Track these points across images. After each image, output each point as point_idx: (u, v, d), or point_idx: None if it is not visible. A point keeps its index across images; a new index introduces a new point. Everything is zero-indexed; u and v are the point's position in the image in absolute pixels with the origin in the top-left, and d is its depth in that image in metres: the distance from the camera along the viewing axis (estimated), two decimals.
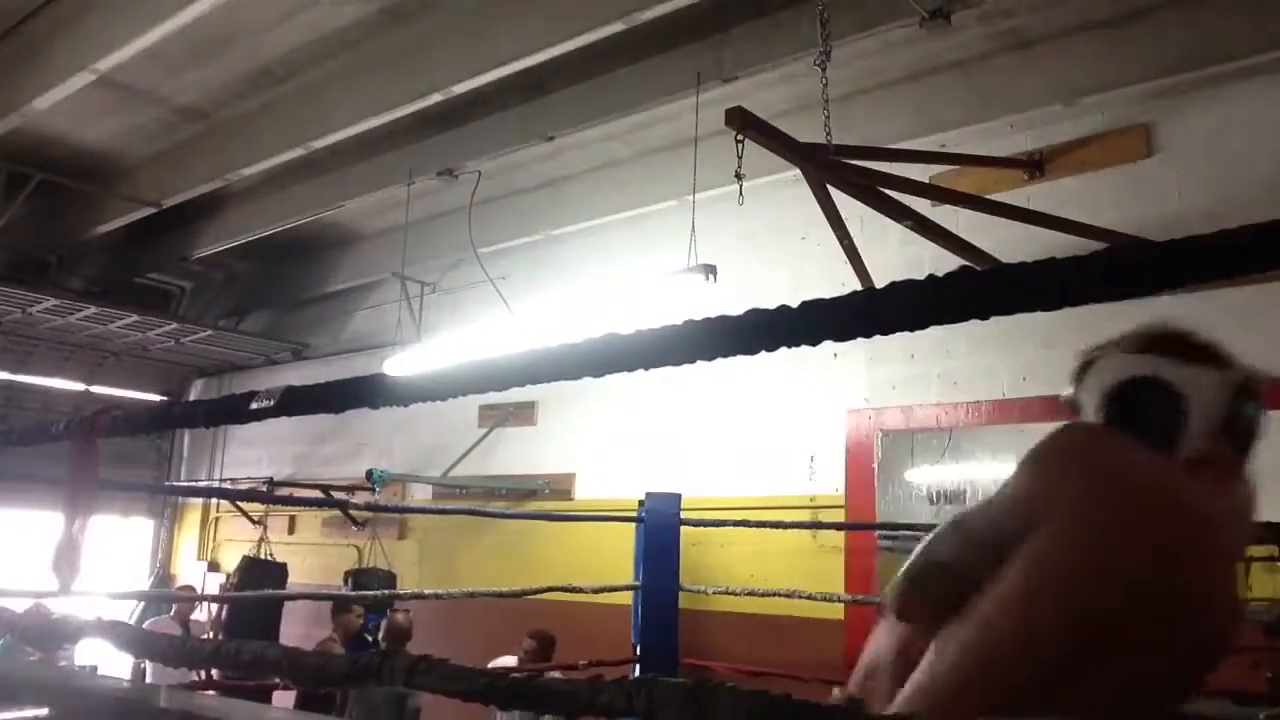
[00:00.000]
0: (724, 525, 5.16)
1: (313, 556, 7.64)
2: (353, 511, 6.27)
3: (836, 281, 4.14)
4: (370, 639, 6.02)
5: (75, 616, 1.70)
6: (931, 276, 0.85)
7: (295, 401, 1.44)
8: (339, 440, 7.94)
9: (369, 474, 6.06)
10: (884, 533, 5.88)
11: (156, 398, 9.22)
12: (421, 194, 6.10)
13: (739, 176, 3.42)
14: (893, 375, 5.16)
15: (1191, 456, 1.42)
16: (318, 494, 6.65)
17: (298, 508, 7.83)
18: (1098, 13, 4.27)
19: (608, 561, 5.44)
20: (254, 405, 1.45)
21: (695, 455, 5.81)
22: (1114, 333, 1.78)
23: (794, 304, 0.94)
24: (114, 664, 6.01)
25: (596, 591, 5.00)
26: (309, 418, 1.50)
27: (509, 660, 5.21)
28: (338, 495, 6.36)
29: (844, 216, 3.98)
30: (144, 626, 6.22)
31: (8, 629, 1.74)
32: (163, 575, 9.38)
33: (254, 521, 7.90)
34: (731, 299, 1.78)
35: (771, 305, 0.96)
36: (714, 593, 5.17)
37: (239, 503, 7.84)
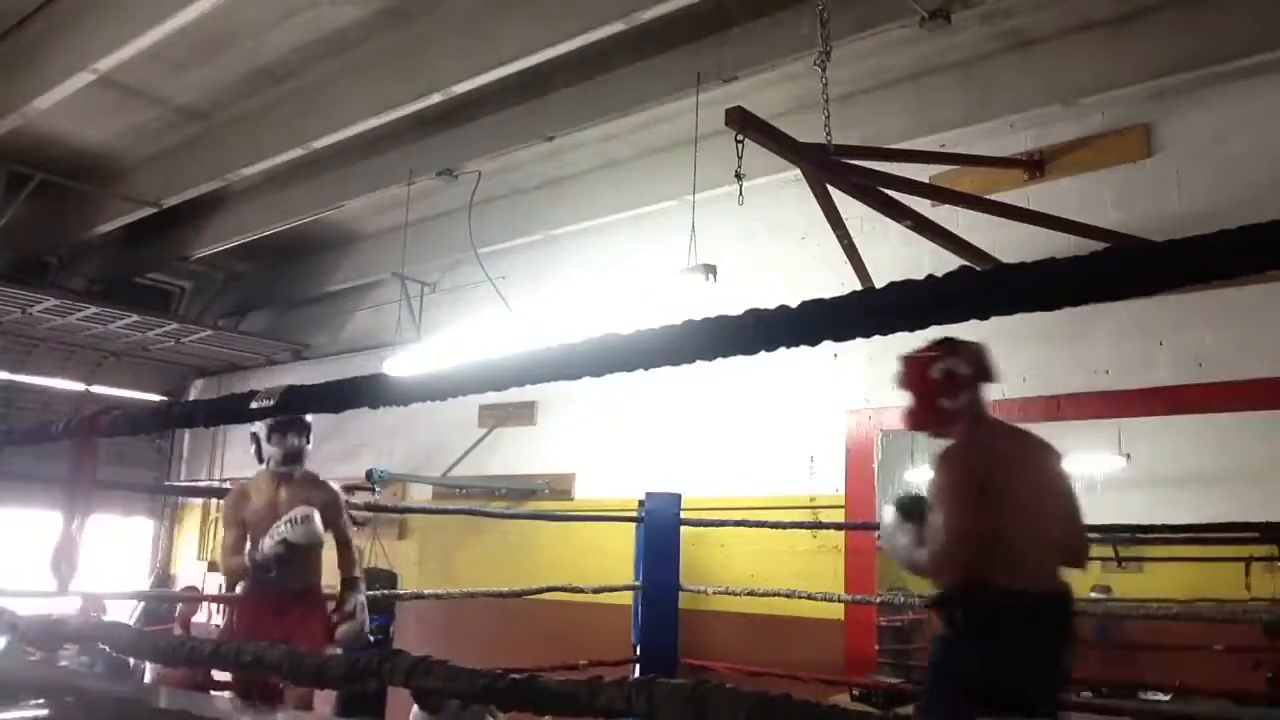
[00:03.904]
0: (724, 525, 5.17)
1: None
2: (353, 511, 6.26)
3: (836, 281, 4.14)
4: (372, 639, 6.00)
5: (75, 616, 1.70)
6: (931, 276, 0.85)
7: (295, 401, 1.44)
8: (339, 440, 7.93)
9: (369, 474, 6.05)
10: None
11: (156, 398, 9.22)
12: (421, 194, 6.10)
13: (739, 176, 3.42)
14: (893, 375, 5.15)
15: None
16: None
17: None
18: (1098, 13, 4.27)
19: (608, 561, 5.45)
20: (254, 405, 1.45)
21: (695, 455, 5.80)
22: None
23: (794, 304, 0.94)
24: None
25: (596, 591, 5.00)
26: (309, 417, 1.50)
27: None
28: None
29: (844, 216, 3.98)
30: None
31: (8, 629, 1.74)
32: (163, 575, 9.38)
33: None
34: (731, 299, 1.79)
35: (771, 305, 0.96)
36: (714, 593, 5.17)
37: None
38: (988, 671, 2.52)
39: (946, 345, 2.79)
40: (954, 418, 2.76)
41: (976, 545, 2.54)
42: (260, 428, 3.72)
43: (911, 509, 2.73)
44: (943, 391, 2.77)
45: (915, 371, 2.84)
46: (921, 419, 2.86)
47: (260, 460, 3.76)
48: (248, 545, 3.61)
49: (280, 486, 3.70)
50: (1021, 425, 2.94)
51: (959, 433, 2.74)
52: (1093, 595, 7.41)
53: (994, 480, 2.60)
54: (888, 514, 2.85)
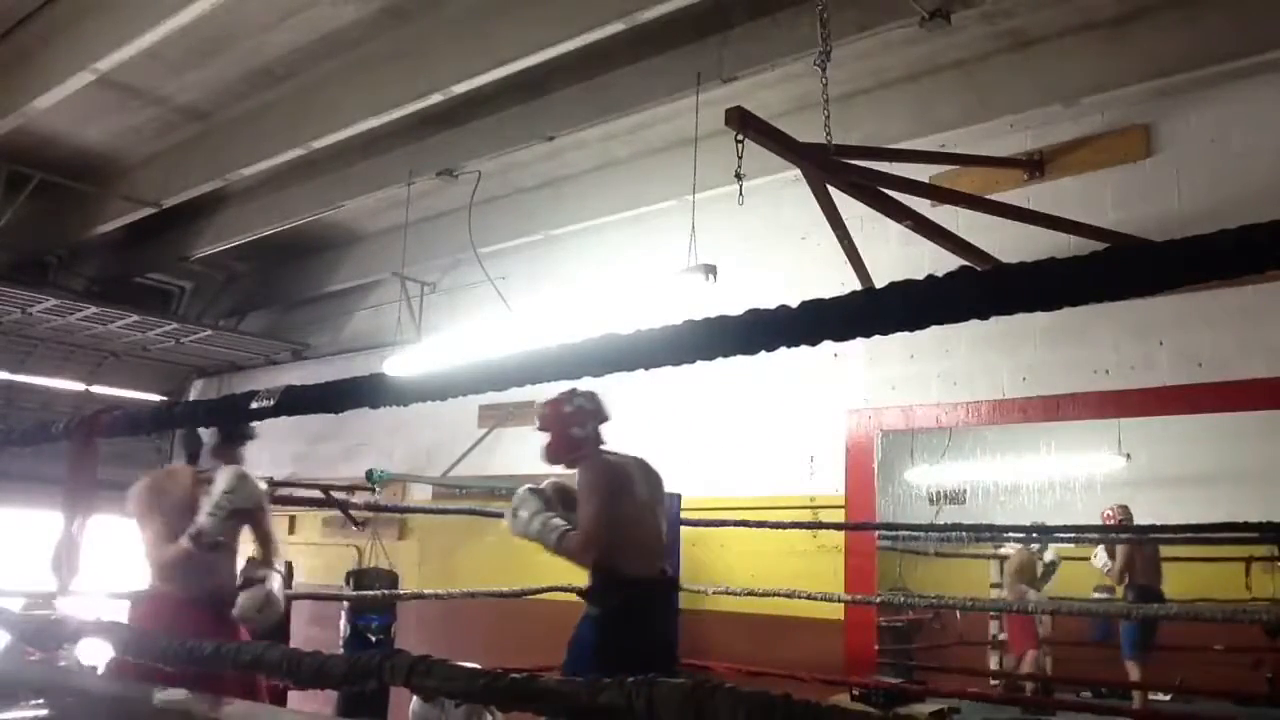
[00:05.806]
0: (724, 525, 5.17)
1: (313, 557, 7.64)
2: (353, 511, 6.27)
3: (836, 281, 4.14)
4: (372, 639, 6.01)
5: (75, 616, 1.70)
6: (931, 276, 0.85)
7: (295, 401, 1.44)
8: (339, 440, 7.93)
9: (369, 474, 6.04)
10: (884, 533, 5.89)
11: (156, 398, 9.21)
12: (421, 194, 6.10)
13: (739, 176, 3.42)
14: (893, 375, 5.15)
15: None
16: (318, 494, 6.64)
17: (297, 508, 7.81)
18: (1098, 13, 4.27)
19: None
20: (254, 405, 1.45)
21: (695, 455, 5.80)
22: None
23: (794, 304, 0.94)
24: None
25: None
26: (309, 417, 1.50)
27: None
28: (338, 495, 6.35)
29: (844, 216, 3.98)
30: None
31: (8, 629, 1.74)
32: None
33: None
34: (731, 299, 1.78)
35: (771, 305, 0.96)
36: (714, 593, 5.17)
37: None
38: (627, 638, 3.36)
39: (570, 391, 3.61)
40: (583, 445, 3.56)
41: (607, 539, 3.35)
42: (209, 437, 3.51)
43: (544, 496, 3.50)
44: (574, 423, 3.57)
45: (552, 412, 3.58)
46: (558, 449, 3.58)
47: (191, 460, 3.57)
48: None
49: (198, 482, 3.50)
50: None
51: (591, 457, 3.53)
52: (1095, 595, 7.42)
53: (615, 492, 3.43)
54: (520, 498, 3.51)
